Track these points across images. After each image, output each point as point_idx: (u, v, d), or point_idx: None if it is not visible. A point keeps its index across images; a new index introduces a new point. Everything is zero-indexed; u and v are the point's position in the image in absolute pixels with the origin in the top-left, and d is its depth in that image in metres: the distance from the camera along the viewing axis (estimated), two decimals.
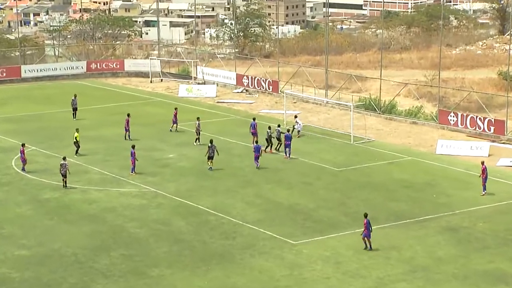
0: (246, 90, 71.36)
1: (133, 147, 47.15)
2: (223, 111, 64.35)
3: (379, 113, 61.39)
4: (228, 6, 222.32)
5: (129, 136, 54.54)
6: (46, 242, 36.67)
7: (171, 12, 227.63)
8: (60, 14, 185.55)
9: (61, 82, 76.38)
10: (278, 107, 64.49)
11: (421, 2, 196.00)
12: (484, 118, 55.17)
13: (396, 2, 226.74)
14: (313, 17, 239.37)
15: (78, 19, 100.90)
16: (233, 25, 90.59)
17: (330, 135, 56.03)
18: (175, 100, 67.64)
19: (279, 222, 39.09)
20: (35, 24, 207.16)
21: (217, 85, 72.40)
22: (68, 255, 35.19)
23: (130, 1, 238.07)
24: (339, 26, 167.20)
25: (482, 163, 43.54)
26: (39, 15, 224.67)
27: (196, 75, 75.56)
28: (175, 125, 56.68)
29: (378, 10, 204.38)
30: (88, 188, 44.50)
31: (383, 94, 62.79)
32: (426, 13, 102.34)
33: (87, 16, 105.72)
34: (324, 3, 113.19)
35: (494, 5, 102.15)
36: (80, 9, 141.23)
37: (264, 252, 35.46)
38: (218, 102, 67.92)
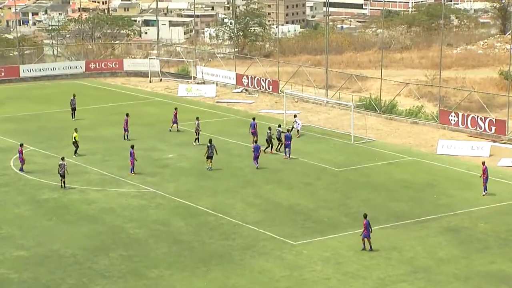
0: (246, 90, 71.25)
1: (132, 147, 47.01)
2: (223, 111, 64.23)
3: (380, 113, 61.29)
4: (228, 6, 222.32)
5: (127, 136, 54.39)
6: (45, 242, 36.58)
7: (171, 12, 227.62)
8: (59, 14, 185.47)
9: (60, 82, 76.26)
10: (278, 107, 64.39)
11: (421, 1, 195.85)
12: (485, 118, 55.06)
13: (396, 1, 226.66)
14: (313, 17, 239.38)
15: (77, 18, 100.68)
16: (233, 24, 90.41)
17: (330, 135, 55.92)
18: (175, 100, 67.53)
19: (279, 223, 38.99)
20: (34, 24, 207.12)
21: (217, 85, 72.29)
22: (67, 255, 35.11)
23: (129, 1, 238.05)
24: (339, 26, 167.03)
25: (483, 163, 43.41)
26: (37, 15, 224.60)
27: (196, 74, 75.45)
28: (175, 125, 56.52)
29: (379, 9, 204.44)
30: (87, 188, 44.39)
31: (384, 94, 62.71)
32: (427, 13, 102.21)
33: (86, 15, 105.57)
34: (324, 2, 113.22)
35: (495, 4, 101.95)
36: (79, 8, 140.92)
37: (264, 252, 35.36)
38: (217, 102, 67.80)
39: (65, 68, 78.50)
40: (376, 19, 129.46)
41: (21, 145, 47.69)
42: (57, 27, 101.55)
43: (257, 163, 47.76)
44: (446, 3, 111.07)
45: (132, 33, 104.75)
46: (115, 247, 35.95)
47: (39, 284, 32.40)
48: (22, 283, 32.48)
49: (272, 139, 50.91)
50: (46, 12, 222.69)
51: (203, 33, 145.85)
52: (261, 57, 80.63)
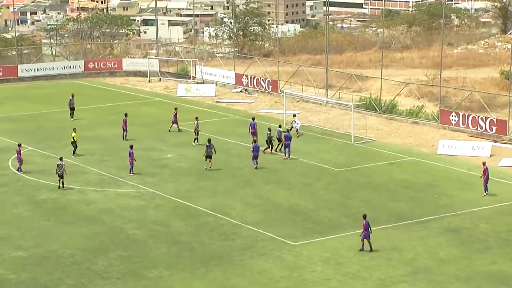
0: (246, 90, 71.11)
1: (131, 147, 46.84)
2: (222, 110, 64.10)
3: (380, 113, 61.17)
4: (228, 5, 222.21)
5: (126, 136, 54.18)
6: (43, 243, 36.48)
7: (170, 11, 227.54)
8: (58, 13, 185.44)
9: (58, 82, 76.11)
10: (277, 107, 64.27)
11: (422, 1, 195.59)
12: (486, 118, 54.94)
13: (397, 1, 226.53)
14: (313, 16, 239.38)
15: (75, 18, 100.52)
16: (232, 24, 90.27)
17: (330, 135, 55.79)
18: (174, 99, 67.39)
19: (278, 223, 38.89)
20: (32, 23, 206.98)
21: (216, 85, 72.16)
22: (65, 256, 35.01)
23: (128, 0, 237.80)
24: (339, 25, 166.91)
25: (484, 163, 43.26)
26: (36, 14, 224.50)
27: (195, 74, 75.29)
28: (175, 125, 56.34)
29: (379, 8, 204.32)
30: (85, 188, 44.27)
31: (384, 94, 62.62)
32: (427, 12, 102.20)
33: (84, 14, 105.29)
34: (324, 1, 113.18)
35: (496, 3, 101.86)
36: (77, 7, 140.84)
37: (264, 253, 35.27)
38: (217, 101, 67.65)
39: (63, 68, 78.31)
40: (376, 19, 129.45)
41: (19, 145, 47.56)
42: (55, 26, 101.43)
43: (256, 163, 47.60)
44: (446, 3, 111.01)
45: (131, 32, 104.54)
46: (114, 248, 35.85)
47: (38, 284, 32.30)
48: (20, 284, 32.38)
49: (272, 140, 50.73)
50: (44, 12, 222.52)
51: (203, 32, 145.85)
52: (260, 56, 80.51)
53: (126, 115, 54.89)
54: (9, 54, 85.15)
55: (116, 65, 79.14)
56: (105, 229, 38.22)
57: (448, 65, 72.90)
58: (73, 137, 50.33)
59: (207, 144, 47.35)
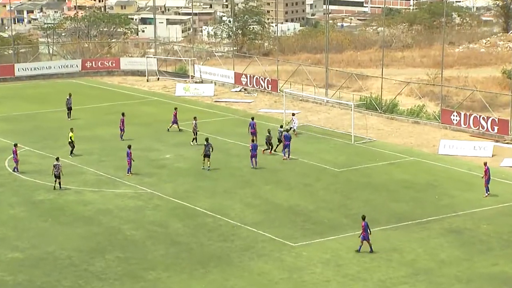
0: (245, 89, 70.92)
1: (129, 147, 46.63)
2: (221, 110, 63.92)
3: (380, 113, 61.00)
4: (227, 3, 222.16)
5: (122, 136, 53.85)
6: (40, 244, 36.30)
7: (168, 10, 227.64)
8: (55, 12, 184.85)
9: (56, 81, 75.99)
10: (277, 106, 64.09)
11: None
12: (488, 118, 54.78)
13: None
14: (313, 15, 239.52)
15: (72, 16, 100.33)
16: (232, 22, 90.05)
17: (331, 135, 55.60)
18: (172, 99, 67.23)
19: (278, 224, 38.71)
20: (29, 22, 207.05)
21: (215, 84, 72.01)
22: (62, 257, 34.83)
23: None
24: (339, 24, 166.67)
25: (485, 164, 43.01)
26: (32, 12, 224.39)
27: (194, 73, 75.11)
28: (175, 125, 56.06)
29: (380, 7, 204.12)
30: (83, 189, 44.08)
31: (385, 93, 62.55)
32: (429, 10, 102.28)
33: (82, 13, 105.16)
34: (324, 0, 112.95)
35: (497, 2, 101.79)
36: (74, 6, 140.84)
37: (263, 254, 35.09)
38: (216, 101, 67.46)
39: (61, 67, 78.09)
40: (377, 17, 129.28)
41: (15, 145, 47.36)
42: (52, 25, 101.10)
43: (255, 162, 47.36)
44: (448, 1, 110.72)
45: (129, 31, 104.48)
46: (112, 249, 35.66)
47: (34, 286, 32.13)
48: (17, 286, 32.21)
49: (272, 141, 50.41)
50: (41, 10, 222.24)
51: (201, 31, 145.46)
52: (260, 55, 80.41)
53: (123, 114, 54.62)
54: (5, 53, 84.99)
55: (114, 64, 78.93)
56: (103, 230, 38.03)
57: (450, 64, 72.82)
58: (70, 137, 50.14)
59: (205, 143, 47.15)
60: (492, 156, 49.55)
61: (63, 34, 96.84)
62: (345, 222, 38.89)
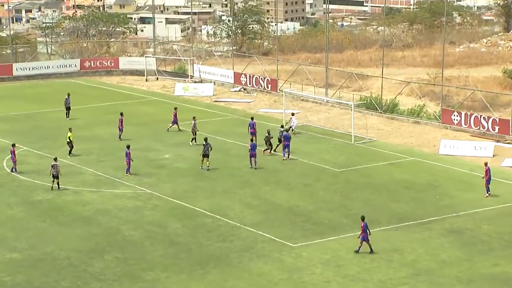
0: (244, 89, 70.81)
1: (128, 147, 46.49)
2: (221, 110, 63.81)
3: (381, 113, 60.90)
4: (226, 3, 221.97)
5: (120, 136, 53.68)
6: (39, 245, 36.18)
7: (167, 9, 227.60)
8: (53, 11, 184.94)
9: (54, 81, 75.94)
10: (276, 106, 63.97)
11: None
12: (489, 118, 54.67)
13: None
14: (313, 14, 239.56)
15: (71, 15, 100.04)
16: (231, 22, 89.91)
17: (331, 135, 55.48)
18: (171, 99, 67.14)
19: (278, 224, 38.58)
20: (27, 21, 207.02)
21: (214, 84, 71.92)
22: (61, 258, 34.72)
23: None
24: (339, 23, 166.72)
25: (486, 164, 42.89)
26: (31, 12, 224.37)
27: (193, 73, 75.03)
28: (175, 125, 55.89)
29: (380, 6, 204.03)
30: (81, 189, 43.95)
31: (385, 93, 62.50)
32: (429, 10, 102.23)
33: (80, 12, 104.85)
34: None
35: (498, 1, 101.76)
36: (73, 5, 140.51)
37: (263, 255, 34.96)
38: (215, 101, 67.35)
39: (59, 67, 77.97)
40: (377, 17, 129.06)
41: (13, 145, 47.20)
42: (51, 24, 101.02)
43: (255, 163, 47.24)
44: (448, 0, 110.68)
45: (127, 31, 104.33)
46: (110, 249, 35.54)
47: (33, 287, 32.03)
48: (15, 286, 32.10)
49: (271, 141, 50.27)
50: (39, 10, 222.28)
51: (201, 30, 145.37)
52: (259, 55, 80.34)
53: (122, 114, 54.47)
54: (4, 52, 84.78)
55: (112, 64, 78.82)
56: (101, 231, 37.90)
57: (450, 64, 72.76)
58: (69, 137, 50.00)
59: (204, 143, 47.02)
60: (493, 156, 49.45)
61: (61, 33, 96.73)
62: (345, 223, 38.74)
